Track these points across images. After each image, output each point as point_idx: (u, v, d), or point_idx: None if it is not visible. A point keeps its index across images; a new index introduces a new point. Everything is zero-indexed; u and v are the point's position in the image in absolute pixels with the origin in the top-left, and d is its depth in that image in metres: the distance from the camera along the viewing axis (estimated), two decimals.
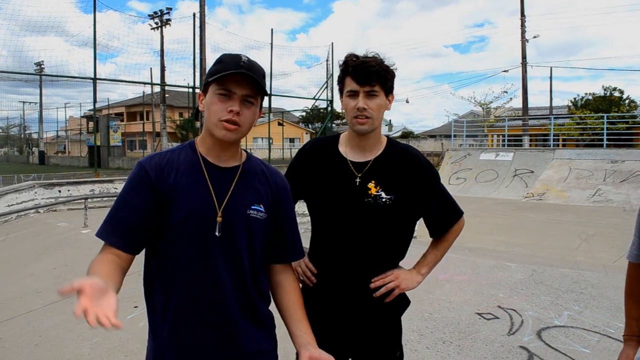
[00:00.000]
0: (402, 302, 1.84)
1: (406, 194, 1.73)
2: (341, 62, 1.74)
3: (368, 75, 1.65)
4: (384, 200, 1.70)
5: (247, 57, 1.45)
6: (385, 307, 1.77)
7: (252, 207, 1.47)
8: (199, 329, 1.42)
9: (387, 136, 1.87)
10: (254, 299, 1.50)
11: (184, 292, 1.41)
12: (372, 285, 1.74)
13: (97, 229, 1.44)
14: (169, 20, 30.66)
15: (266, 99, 1.62)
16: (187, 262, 1.41)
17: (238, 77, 1.40)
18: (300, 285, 1.75)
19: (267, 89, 1.53)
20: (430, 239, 1.91)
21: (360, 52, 1.73)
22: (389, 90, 1.73)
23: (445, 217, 1.83)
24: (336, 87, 1.85)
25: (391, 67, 1.71)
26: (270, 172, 1.58)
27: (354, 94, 1.68)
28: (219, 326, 1.42)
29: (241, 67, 1.40)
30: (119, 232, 1.39)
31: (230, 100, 1.41)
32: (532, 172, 16.74)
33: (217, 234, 1.41)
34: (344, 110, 1.75)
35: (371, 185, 1.72)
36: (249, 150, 1.70)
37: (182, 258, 1.41)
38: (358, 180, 1.73)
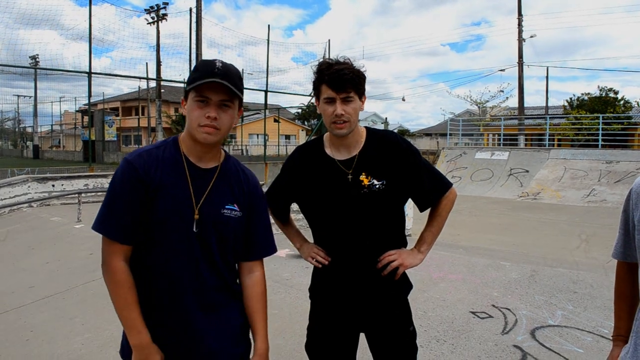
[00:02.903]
0: (406, 283, 1.98)
1: (394, 176, 1.85)
2: (315, 69, 1.83)
3: (343, 82, 1.75)
4: (377, 187, 1.83)
5: (221, 62, 1.52)
6: (391, 287, 1.91)
7: (227, 206, 1.58)
8: (185, 314, 1.52)
9: (366, 127, 1.97)
10: (230, 285, 1.63)
11: (170, 282, 1.50)
12: (379, 265, 1.87)
13: (92, 223, 1.50)
14: (165, 14, 30.42)
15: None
16: (171, 255, 1.50)
17: (213, 85, 1.47)
18: (316, 266, 1.94)
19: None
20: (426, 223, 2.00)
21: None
22: (362, 94, 1.85)
23: (432, 188, 1.92)
24: None
25: (362, 70, 1.82)
26: (244, 172, 1.69)
27: (331, 101, 1.79)
28: (203, 305, 1.54)
29: (215, 75, 1.47)
30: (121, 226, 1.46)
31: (208, 107, 1.49)
32: (527, 171, 16.81)
33: (194, 230, 1.51)
34: (321, 114, 1.86)
35: (362, 177, 1.84)
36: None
37: (165, 252, 1.50)
38: (350, 176, 1.85)
